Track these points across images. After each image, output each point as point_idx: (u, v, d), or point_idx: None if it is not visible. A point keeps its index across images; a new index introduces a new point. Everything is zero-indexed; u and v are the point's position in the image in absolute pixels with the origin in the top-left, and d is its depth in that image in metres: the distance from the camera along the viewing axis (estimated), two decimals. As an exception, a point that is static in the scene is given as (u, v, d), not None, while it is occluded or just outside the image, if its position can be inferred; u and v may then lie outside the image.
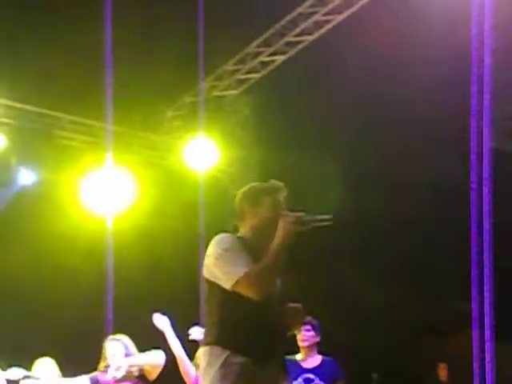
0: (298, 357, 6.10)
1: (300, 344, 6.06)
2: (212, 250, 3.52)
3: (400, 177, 9.77)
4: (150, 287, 8.98)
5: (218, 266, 3.47)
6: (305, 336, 6.04)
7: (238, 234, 3.65)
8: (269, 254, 3.42)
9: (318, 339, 6.06)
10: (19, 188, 9.96)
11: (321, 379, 5.91)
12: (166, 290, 8.72)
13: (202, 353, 3.56)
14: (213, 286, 3.51)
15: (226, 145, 10.62)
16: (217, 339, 3.47)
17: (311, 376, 5.94)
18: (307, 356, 6.05)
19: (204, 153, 10.08)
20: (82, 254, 9.07)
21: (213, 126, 10.34)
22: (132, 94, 9.46)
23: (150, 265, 9.26)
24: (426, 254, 10.40)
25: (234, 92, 11.04)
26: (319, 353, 6.10)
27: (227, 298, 3.45)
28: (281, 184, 3.73)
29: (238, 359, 3.40)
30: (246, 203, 3.67)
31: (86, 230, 8.87)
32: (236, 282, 3.38)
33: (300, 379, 5.94)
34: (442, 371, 9.90)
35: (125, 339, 5.97)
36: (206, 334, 3.58)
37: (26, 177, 10.06)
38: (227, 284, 3.41)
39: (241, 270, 3.39)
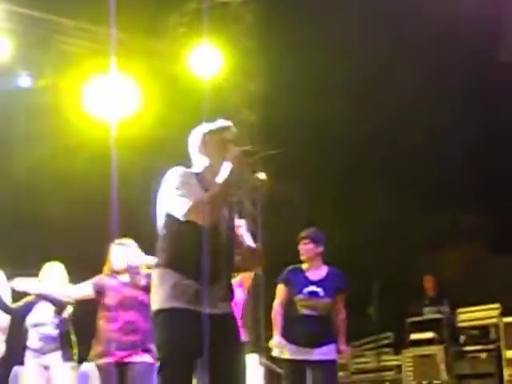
0: (304, 267, 6.18)
1: (302, 257, 6.17)
2: (166, 183, 3.87)
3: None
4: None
5: (172, 197, 3.81)
6: (302, 249, 6.15)
7: (193, 170, 4.00)
8: (216, 185, 3.79)
9: (318, 250, 6.14)
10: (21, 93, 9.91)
11: (325, 291, 6.01)
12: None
13: (154, 274, 3.90)
14: (166, 215, 3.85)
15: (230, 52, 10.53)
16: (167, 263, 3.83)
17: (316, 289, 6.04)
18: (311, 267, 6.14)
19: (208, 60, 10.02)
20: (86, 160, 9.13)
21: (217, 33, 10.24)
22: (136, 0, 9.34)
23: (151, 172, 9.30)
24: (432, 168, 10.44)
25: (239, -1, 10.89)
26: (325, 263, 6.20)
27: (178, 227, 3.81)
28: (227, 123, 4.06)
29: (185, 281, 3.75)
30: (196, 145, 4.04)
31: (90, 137, 8.89)
32: (187, 211, 3.74)
33: (305, 291, 6.06)
34: (428, 283, 9.91)
35: (130, 243, 6.06)
36: (158, 258, 3.91)
37: (28, 82, 10.02)
38: (179, 213, 3.78)
39: (191, 200, 3.74)
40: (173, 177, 3.88)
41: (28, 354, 6.69)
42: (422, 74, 9.84)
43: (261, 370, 8.60)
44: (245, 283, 6.27)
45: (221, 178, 3.79)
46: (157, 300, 3.81)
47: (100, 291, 5.96)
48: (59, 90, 9.95)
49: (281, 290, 6.20)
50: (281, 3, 10.12)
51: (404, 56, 9.72)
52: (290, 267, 6.24)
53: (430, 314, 9.53)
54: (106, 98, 9.26)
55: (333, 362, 6.03)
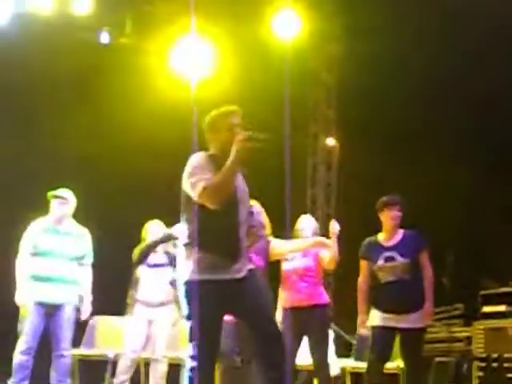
0: (381, 236, 6.21)
1: (389, 222, 6.15)
2: (186, 168, 4.27)
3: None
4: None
5: (188, 181, 4.21)
6: (393, 216, 6.12)
7: (211, 152, 4.41)
8: (224, 169, 4.11)
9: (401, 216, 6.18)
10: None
11: (401, 253, 6.03)
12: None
13: (183, 251, 4.39)
14: (187, 196, 4.25)
15: (310, 15, 10.46)
16: (191, 242, 4.28)
17: (391, 253, 6.06)
18: (391, 234, 6.15)
19: (289, 23, 9.98)
20: (168, 120, 9.24)
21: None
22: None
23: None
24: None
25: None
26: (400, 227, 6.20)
27: (198, 209, 4.20)
28: (234, 108, 4.44)
29: (208, 256, 4.22)
30: (208, 131, 4.46)
31: (171, 96, 8.98)
32: (198, 194, 4.13)
33: (381, 258, 6.07)
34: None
35: None
36: (187, 237, 4.34)
37: (107, 39, 10.17)
38: (194, 196, 4.18)
39: (202, 184, 4.11)
40: (191, 161, 4.27)
41: (137, 306, 6.91)
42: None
43: (331, 336, 8.64)
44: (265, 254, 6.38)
45: (229, 160, 4.10)
46: (186, 273, 4.29)
47: None
48: (139, 49, 10.09)
49: (362, 265, 6.26)
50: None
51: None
52: (366, 240, 6.25)
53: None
54: (187, 59, 9.32)
55: (420, 330, 6.04)
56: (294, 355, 6.50)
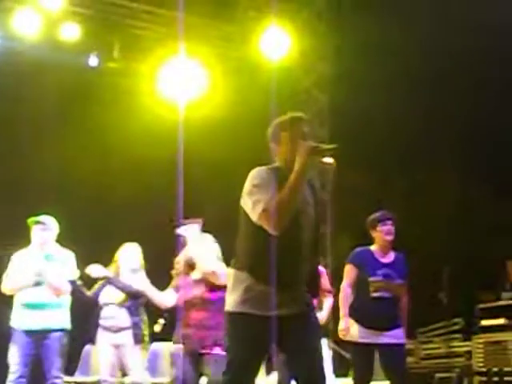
0: (375, 250, 6.03)
1: (384, 238, 6.02)
2: (246, 184, 3.82)
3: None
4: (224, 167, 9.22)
5: (248, 201, 3.76)
6: (386, 230, 5.98)
7: (275, 165, 3.94)
8: (286, 187, 3.67)
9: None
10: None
11: (398, 274, 5.93)
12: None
13: (229, 275, 3.93)
14: (245, 215, 3.80)
15: (299, 35, 10.49)
16: (242, 265, 3.83)
17: (390, 272, 5.93)
18: (385, 251, 6.07)
19: (277, 43, 10.01)
20: (156, 141, 9.22)
21: (287, 15, 10.21)
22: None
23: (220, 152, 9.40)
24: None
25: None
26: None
27: (255, 229, 3.74)
28: (300, 115, 3.99)
29: (258, 286, 3.75)
30: (272, 142, 3.99)
31: (160, 118, 8.98)
32: (258, 217, 3.69)
33: (379, 273, 5.98)
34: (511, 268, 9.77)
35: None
36: (236, 259, 3.91)
37: (95, 63, 10.18)
38: (253, 218, 3.73)
39: (261, 206, 3.68)
40: (251, 177, 3.83)
41: (100, 332, 6.81)
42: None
43: (329, 354, 8.57)
44: None
45: (293, 174, 3.71)
46: (229, 302, 3.87)
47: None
48: (128, 72, 10.10)
49: (350, 270, 6.05)
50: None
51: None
52: (360, 248, 6.16)
53: (508, 299, 9.35)
54: (176, 81, 9.34)
55: (402, 345, 5.98)
56: None
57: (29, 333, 6.36)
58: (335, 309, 6.40)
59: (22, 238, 6.62)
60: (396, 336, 5.88)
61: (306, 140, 3.83)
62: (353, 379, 5.98)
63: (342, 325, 5.95)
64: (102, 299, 6.79)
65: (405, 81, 9.79)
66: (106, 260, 6.91)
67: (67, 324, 6.55)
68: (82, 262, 6.73)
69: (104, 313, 6.78)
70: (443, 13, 9.40)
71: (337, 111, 11.43)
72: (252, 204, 3.73)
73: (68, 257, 6.68)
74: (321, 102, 11.97)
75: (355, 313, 5.94)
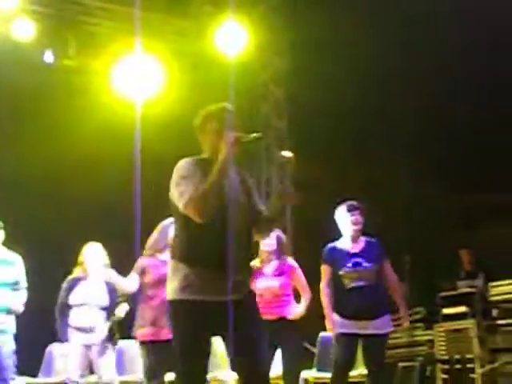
0: (344, 242, 6.17)
1: (353, 228, 6.13)
2: (173, 176, 3.88)
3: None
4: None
5: (175, 192, 3.82)
6: (355, 220, 6.11)
7: (202, 156, 4.01)
8: (209, 177, 3.73)
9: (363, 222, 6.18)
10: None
11: (368, 260, 6.02)
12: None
13: (168, 266, 3.99)
14: (174, 206, 3.86)
15: (256, 30, 10.46)
16: (177, 256, 3.91)
17: (358, 260, 6.03)
18: (354, 240, 6.14)
19: (234, 38, 9.97)
20: (111, 139, 9.13)
21: (243, 10, 10.18)
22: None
23: (177, 150, 9.31)
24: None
25: (264, -25, 10.82)
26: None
27: (185, 219, 3.81)
28: (225, 105, 4.03)
29: (196, 274, 3.80)
30: (198, 132, 4.07)
31: (116, 116, 8.91)
32: (184, 206, 3.75)
33: (349, 264, 6.04)
34: (465, 257, 9.90)
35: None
36: (172, 249, 4.02)
37: (51, 60, 10.03)
38: (180, 207, 3.79)
39: (187, 196, 3.73)
40: (177, 169, 3.89)
41: (71, 332, 6.75)
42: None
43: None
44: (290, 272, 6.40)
45: (217, 163, 3.76)
46: (169, 291, 3.91)
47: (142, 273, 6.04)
48: (83, 69, 10.00)
49: (325, 270, 6.19)
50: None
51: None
52: (328, 246, 6.22)
53: (464, 288, 9.45)
54: (131, 78, 9.26)
55: (384, 335, 6.01)
56: None
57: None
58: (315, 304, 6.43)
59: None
60: (379, 326, 5.94)
61: (232, 130, 3.86)
62: (333, 367, 6.02)
63: (328, 324, 6.02)
64: (72, 300, 6.74)
65: (357, 75, 9.85)
66: (55, 260, 6.85)
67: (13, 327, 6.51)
68: (32, 263, 6.67)
69: (75, 313, 6.74)
70: (395, 9, 9.45)
71: (293, 104, 11.45)
72: (178, 195, 3.78)
73: (15, 260, 6.63)
74: (278, 96, 11.96)
75: (337, 306, 6.00)
